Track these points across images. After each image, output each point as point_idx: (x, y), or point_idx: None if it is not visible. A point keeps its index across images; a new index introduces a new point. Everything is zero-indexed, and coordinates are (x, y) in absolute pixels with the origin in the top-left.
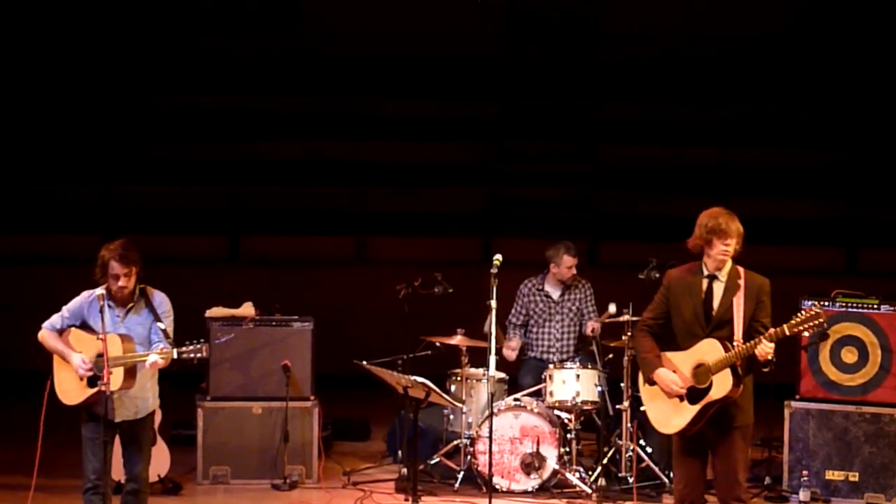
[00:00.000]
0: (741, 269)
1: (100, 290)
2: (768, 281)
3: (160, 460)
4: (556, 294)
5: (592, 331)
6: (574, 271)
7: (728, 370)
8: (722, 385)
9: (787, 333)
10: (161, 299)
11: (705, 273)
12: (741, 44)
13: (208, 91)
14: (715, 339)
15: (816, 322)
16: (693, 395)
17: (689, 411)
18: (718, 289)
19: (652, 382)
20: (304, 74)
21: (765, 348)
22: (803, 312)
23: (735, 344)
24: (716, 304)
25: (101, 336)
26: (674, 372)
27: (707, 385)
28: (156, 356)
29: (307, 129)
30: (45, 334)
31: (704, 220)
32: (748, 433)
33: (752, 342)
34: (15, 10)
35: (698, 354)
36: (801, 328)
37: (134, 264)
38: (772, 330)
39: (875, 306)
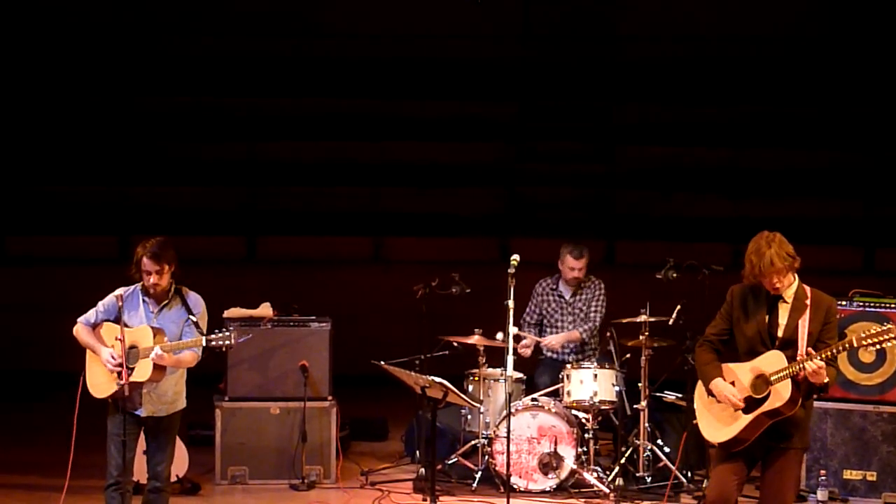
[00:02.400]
0: (808, 289)
1: (121, 290)
2: (835, 301)
3: (178, 460)
4: (568, 294)
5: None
6: (576, 273)
7: (788, 381)
8: (779, 396)
9: (856, 345)
10: (196, 300)
11: (770, 293)
12: (758, 44)
13: (226, 91)
14: (780, 351)
15: (888, 337)
16: (748, 405)
17: (741, 421)
18: (784, 310)
19: (711, 393)
20: (321, 75)
21: (811, 364)
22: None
23: (798, 359)
24: (781, 325)
25: (119, 336)
26: (732, 383)
27: (764, 395)
28: (157, 348)
29: (325, 130)
30: (80, 328)
31: (747, 258)
32: (801, 456)
33: (809, 355)
34: (34, 10)
35: (761, 365)
36: (870, 342)
37: (166, 262)
38: (833, 347)
39: (893, 306)
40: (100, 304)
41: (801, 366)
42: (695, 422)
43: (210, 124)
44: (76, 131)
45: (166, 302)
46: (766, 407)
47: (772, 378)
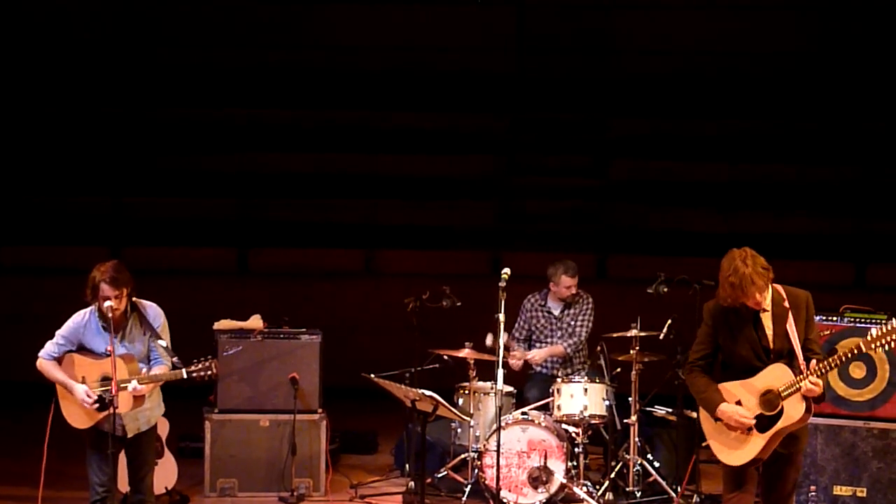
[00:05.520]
0: (782, 290)
1: (78, 316)
2: (809, 294)
3: (167, 472)
4: (556, 310)
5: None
6: (573, 290)
7: (799, 394)
8: (794, 411)
9: (864, 350)
10: (155, 313)
11: (748, 307)
12: (752, 59)
13: (218, 103)
14: (784, 364)
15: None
16: (762, 423)
17: (759, 440)
18: (767, 320)
19: (717, 419)
20: (314, 87)
21: (806, 383)
22: (875, 330)
23: (801, 368)
24: (770, 337)
25: (108, 348)
26: (738, 402)
27: (777, 411)
28: (134, 382)
29: (317, 142)
30: (44, 364)
31: (724, 281)
32: (801, 454)
33: (804, 375)
34: (29, 21)
35: (766, 380)
36: (879, 343)
37: (125, 286)
38: (839, 355)
39: (883, 322)
40: (58, 335)
41: (798, 385)
42: (705, 444)
43: (203, 136)
44: (69, 141)
45: (125, 324)
46: (781, 423)
47: (783, 394)
